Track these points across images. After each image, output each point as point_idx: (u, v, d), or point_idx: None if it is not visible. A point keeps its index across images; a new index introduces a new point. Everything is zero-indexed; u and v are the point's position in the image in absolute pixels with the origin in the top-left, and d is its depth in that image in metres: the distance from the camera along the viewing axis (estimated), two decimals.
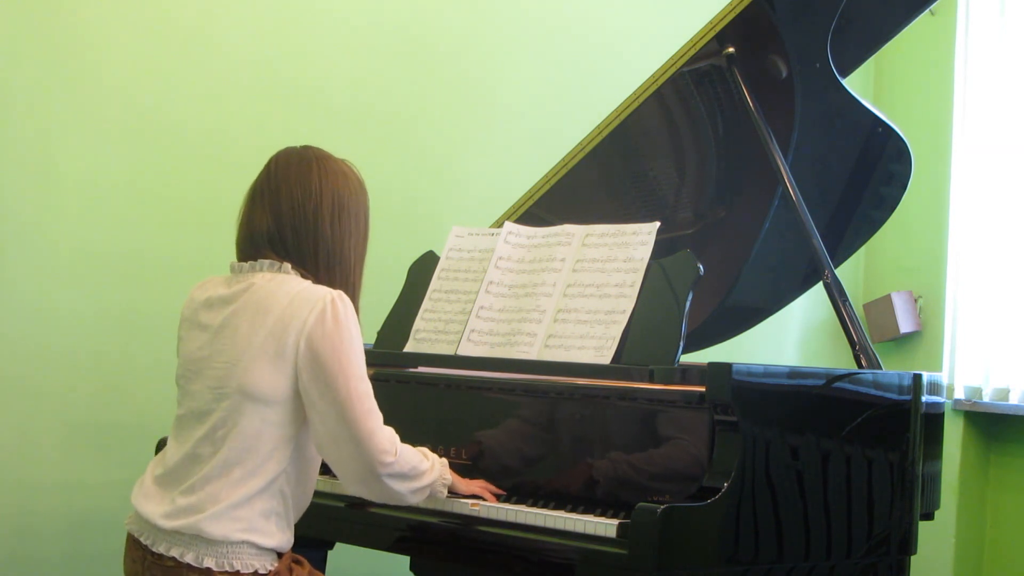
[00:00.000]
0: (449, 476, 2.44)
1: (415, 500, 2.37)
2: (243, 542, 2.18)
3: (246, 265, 2.28)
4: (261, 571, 2.20)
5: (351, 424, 2.19)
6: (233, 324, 2.23)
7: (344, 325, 2.19)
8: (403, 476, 2.28)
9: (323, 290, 2.22)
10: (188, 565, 2.17)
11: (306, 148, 2.36)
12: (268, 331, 2.18)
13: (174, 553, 2.18)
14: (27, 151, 3.40)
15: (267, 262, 2.26)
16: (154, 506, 2.23)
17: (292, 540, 2.28)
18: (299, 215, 2.26)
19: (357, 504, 2.64)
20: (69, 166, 3.46)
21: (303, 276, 2.26)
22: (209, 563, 2.16)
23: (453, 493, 2.50)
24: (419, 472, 2.33)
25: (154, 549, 2.21)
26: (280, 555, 2.27)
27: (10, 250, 3.38)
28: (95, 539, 3.43)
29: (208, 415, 2.22)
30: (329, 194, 2.28)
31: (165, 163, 3.60)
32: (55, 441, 3.44)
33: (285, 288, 2.21)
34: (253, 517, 2.19)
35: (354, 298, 2.30)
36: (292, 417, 2.22)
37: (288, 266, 2.26)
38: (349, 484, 2.29)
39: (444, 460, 2.46)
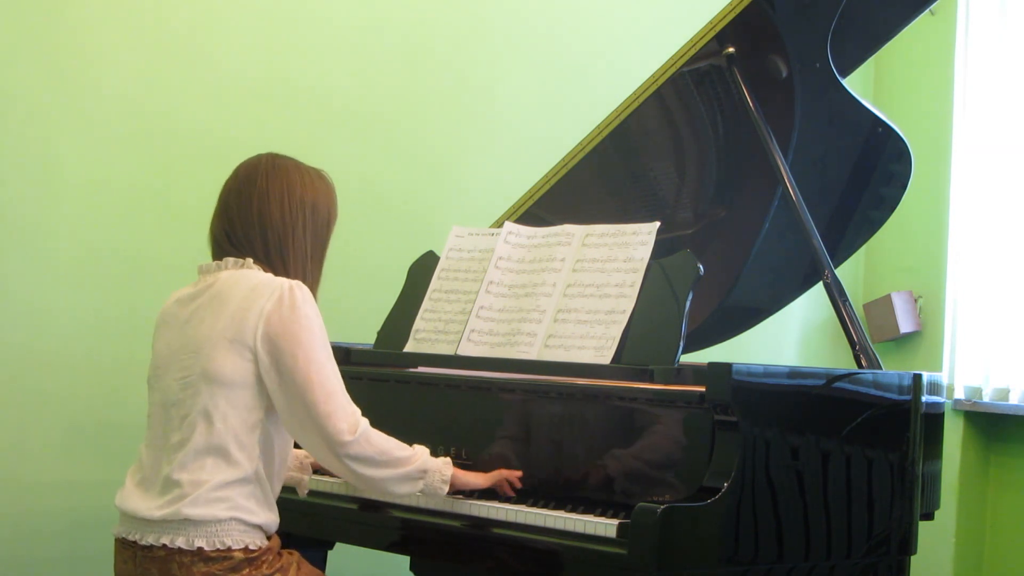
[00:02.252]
0: (449, 473, 2.43)
1: (400, 491, 2.38)
2: (231, 519, 2.22)
3: (212, 265, 2.37)
4: (252, 547, 2.23)
5: (310, 406, 2.23)
6: (198, 317, 2.30)
7: (302, 311, 2.25)
8: (370, 460, 2.29)
9: (281, 280, 2.29)
10: (180, 549, 2.20)
11: (260, 155, 2.45)
12: (229, 318, 2.25)
13: (164, 541, 2.21)
14: (27, 153, 3.40)
15: (231, 260, 2.34)
16: (138, 502, 2.27)
17: (277, 521, 2.32)
18: (244, 208, 2.35)
19: (357, 504, 2.64)
20: (69, 168, 3.46)
21: (265, 271, 2.33)
22: (200, 543, 2.20)
23: (459, 491, 2.48)
24: (392, 459, 2.33)
25: (143, 542, 2.23)
26: (268, 537, 2.30)
27: (10, 251, 3.38)
28: (94, 539, 3.42)
29: (176, 405, 2.27)
30: (277, 186, 2.37)
31: (165, 165, 3.60)
32: (54, 441, 3.44)
33: (246, 280, 2.29)
34: (235, 497, 2.22)
35: (313, 287, 2.36)
36: (257, 402, 2.26)
37: (250, 261, 2.34)
38: (326, 466, 2.35)
39: (447, 459, 2.45)
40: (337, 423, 2.25)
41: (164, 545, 2.21)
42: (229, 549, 2.21)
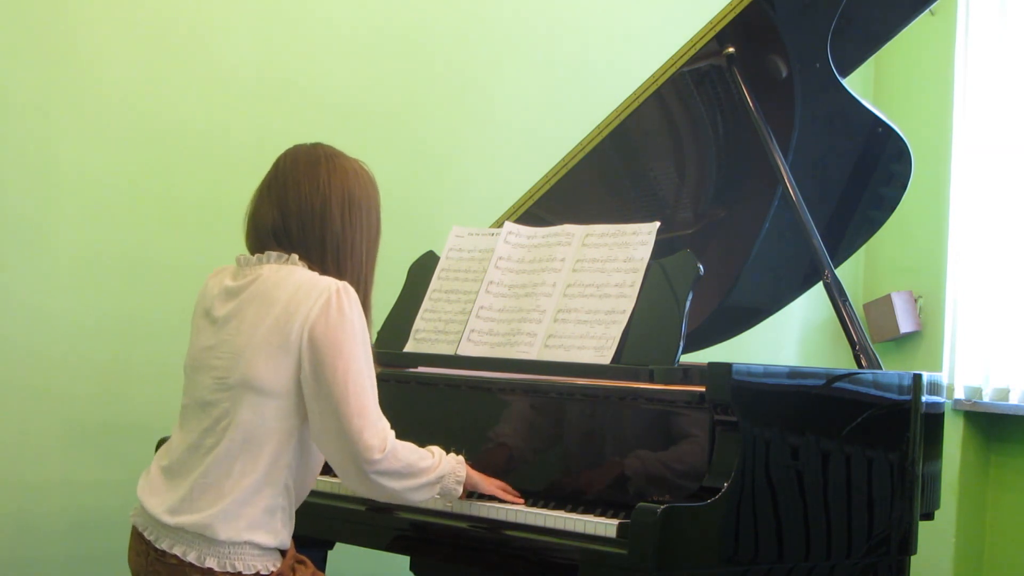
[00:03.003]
0: (463, 473, 2.39)
1: (418, 498, 2.33)
2: (246, 543, 2.18)
3: (252, 258, 2.29)
4: (263, 571, 2.20)
5: (342, 419, 2.17)
6: (239, 316, 2.23)
7: (348, 317, 2.18)
8: (396, 474, 2.25)
9: (328, 280, 2.21)
10: (191, 564, 2.17)
11: (316, 145, 2.36)
12: (273, 322, 2.18)
13: (176, 551, 2.18)
14: (27, 153, 3.40)
15: (274, 254, 2.26)
16: (159, 500, 2.23)
17: (292, 532, 2.28)
18: (306, 209, 2.26)
19: (357, 504, 2.64)
20: (69, 168, 3.46)
21: (310, 268, 2.26)
22: (211, 563, 2.16)
23: (472, 491, 2.47)
24: (416, 470, 2.29)
25: (157, 546, 2.20)
26: (283, 552, 2.26)
27: (11, 252, 3.38)
28: (95, 539, 3.43)
29: (211, 406, 2.22)
30: (339, 188, 2.29)
31: (165, 165, 3.60)
32: (55, 441, 3.44)
33: (291, 279, 2.21)
34: (257, 514, 2.18)
35: (365, 293, 2.30)
36: (294, 410, 2.21)
37: (295, 257, 2.26)
38: (344, 480, 2.27)
39: (459, 457, 2.41)
40: (368, 440, 2.19)
41: (177, 555, 2.18)
42: (239, 574, 2.17)
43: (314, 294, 2.18)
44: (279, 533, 2.22)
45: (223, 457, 2.18)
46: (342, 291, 2.19)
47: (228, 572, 2.17)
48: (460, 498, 2.43)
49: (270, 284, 2.22)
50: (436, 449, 2.39)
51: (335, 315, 2.17)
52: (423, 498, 2.35)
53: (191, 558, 2.17)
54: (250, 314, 2.21)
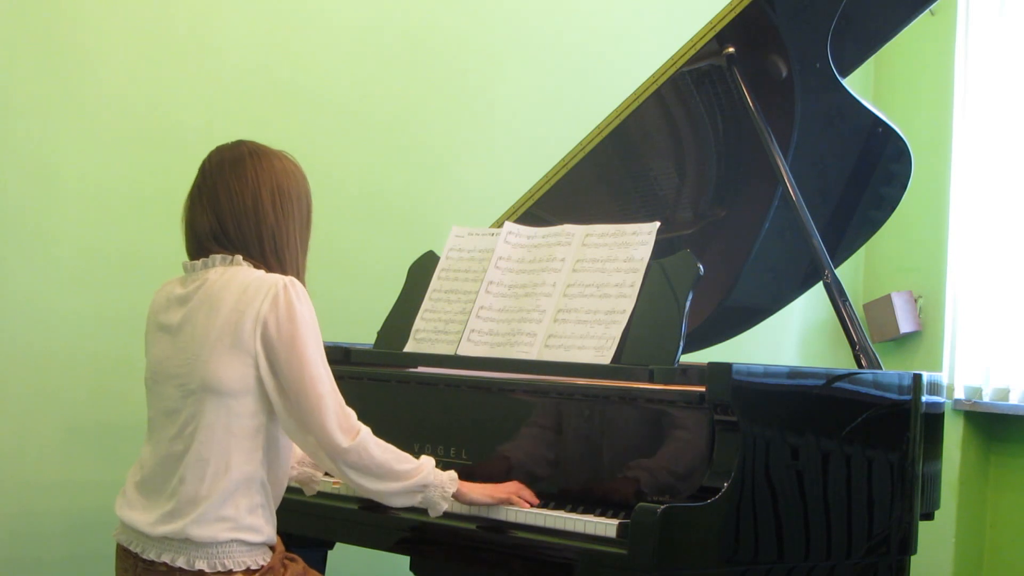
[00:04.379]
0: (452, 490, 2.36)
1: (397, 503, 2.33)
2: (232, 541, 2.19)
3: (198, 263, 2.31)
4: (253, 567, 2.21)
5: (305, 412, 2.20)
6: (191, 321, 2.24)
7: (297, 311, 2.20)
8: (366, 471, 2.25)
9: (275, 277, 2.23)
10: (180, 569, 2.17)
11: (238, 143, 2.37)
12: (223, 323, 2.20)
13: (165, 559, 2.18)
14: (27, 154, 3.40)
15: (218, 257, 2.28)
16: (139, 515, 2.24)
17: (276, 527, 2.29)
18: (239, 208, 2.28)
19: (358, 505, 2.64)
20: (69, 169, 3.46)
21: (255, 267, 2.27)
22: (201, 565, 2.17)
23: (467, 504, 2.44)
24: (391, 472, 2.27)
25: (144, 556, 2.21)
26: (272, 548, 2.27)
27: (11, 252, 3.38)
28: (95, 540, 3.42)
29: (177, 413, 2.23)
30: (267, 182, 2.30)
31: (165, 165, 3.60)
32: (55, 442, 3.44)
33: (238, 279, 2.23)
34: (239, 515, 2.19)
35: (303, 280, 2.31)
36: (259, 407, 2.22)
37: (239, 258, 2.27)
38: (325, 469, 2.30)
39: (452, 474, 2.39)
40: (332, 430, 2.21)
41: (165, 563, 2.18)
42: (230, 572, 2.18)
43: (262, 292, 2.20)
44: (263, 529, 2.23)
45: (194, 462, 2.19)
46: (289, 286, 2.21)
47: (219, 571, 2.17)
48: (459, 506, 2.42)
49: (217, 287, 2.23)
50: (424, 459, 2.36)
51: (284, 310, 2.19)
52: (401, 503, 2.33)
53: (180, 563, 2.17)
54: (201, 318, 2.23)
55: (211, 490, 2.18)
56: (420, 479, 2.31)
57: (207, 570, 2.17)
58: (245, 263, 2.27)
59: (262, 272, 2.25)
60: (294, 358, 2.19)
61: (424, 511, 2.40)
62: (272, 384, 2.20)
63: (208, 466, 2.18)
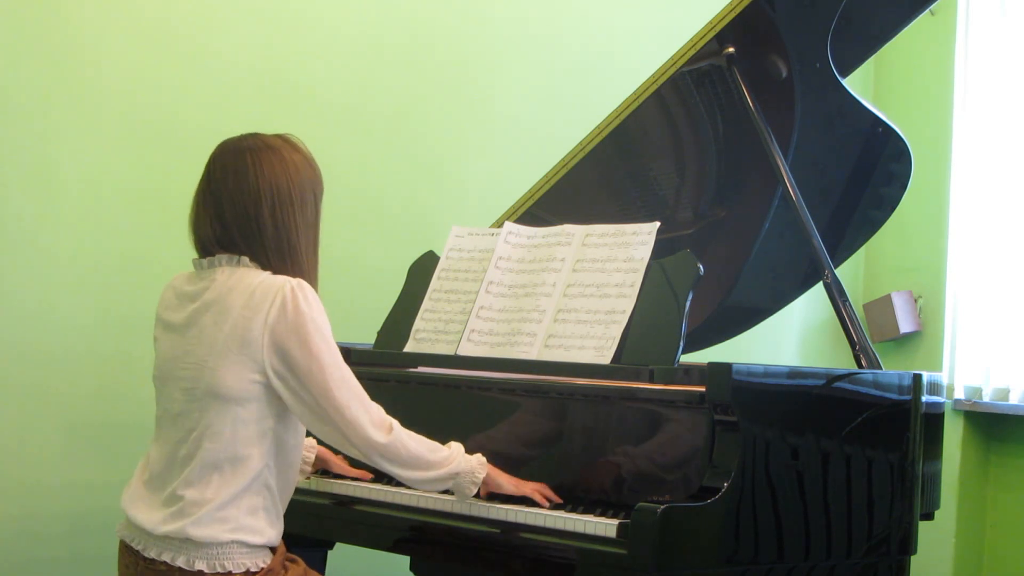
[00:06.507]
0: (482, 476, 2.42)
1: (428, 489, 2.42)
2: (232, 542, 2.18)
3: (205, 262, 2.30)
4: (253, 569, 2.20)
5: (334, 415, 2.21)
6: (198, 323, 2.23)
7: (306, 314, 2.18)
8: (400, 462, 2.30)
9: (281, 280, 2.21)
10: (180, 569, 2.17)
11: (242, 140, 2.35)
12: (231, 328, 2.19)
13: (165, 558, 2.19)
14: (27, 154, 3.40)
15: (225, 257, 2.27)
16: (144, 513, 2.24)
17: (282, 530, 2.28)
18: (240, 215, 2.26)
19: (358, 504, 2.64)
20: (69, 169, 3.46)
21: (262, 267, 2.26)
22: (200, 566, 2.17)
23: (495, 494, 2.47)
24: (425, 463, 2.33)
25: (145, 554, 2.21)
26: (273, 550, 2.27)
27: (11, 252, 3.38)
28: (96, 540, 3.42)
29: (183, 417, 2.23)
30: (267, 187, 2.26)
31: (165, 165, 3.60)
32: (56, 442, 3.44)
33: (244, 283, 2.22)
34: (240, 516, 2.19)
35: (314, 280, 2.30)
36: (266, 411, 2.21)
37: (246, 259, 2.26)
38: (353, 457, 2.35)
39: (481, 458, 2.44)
40: (368, 430, 2.24)
41: (165, 562, 2.19)
42: (229, 574, 2.18)
43: (269, 296, 2.19)
44: (265, 532, 2.22)
45: (200, 467, 2.19)
46: (296, 289, 2.20)
47: (218, 572, 2.17)
48: (482, 495, 2.45)
49: (224, 290, 2.22)
50: (455, 445, 2.42)
51: (292, 315, 2.18)
52: (431, 489, 2.42)
53: (180, 563, 2.17)
54: (208, 322, 2.22)
55: (216, 494, 2.18)
56: (452, 468, 2.38)
57: (206, 571, 2.17)
58: (252, 264, 2.26)
59: (268, 274, 2.24)
60: (313, 367, 2.18)
61: (423, 511, 2.41)
62: (293, 389, 2.20)
63: (214, 472, 2.18)
